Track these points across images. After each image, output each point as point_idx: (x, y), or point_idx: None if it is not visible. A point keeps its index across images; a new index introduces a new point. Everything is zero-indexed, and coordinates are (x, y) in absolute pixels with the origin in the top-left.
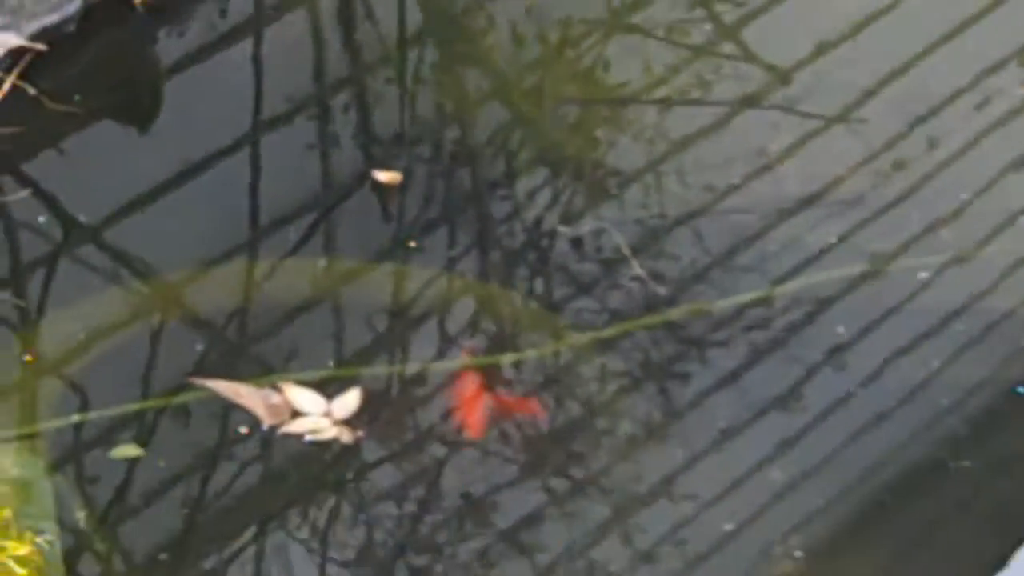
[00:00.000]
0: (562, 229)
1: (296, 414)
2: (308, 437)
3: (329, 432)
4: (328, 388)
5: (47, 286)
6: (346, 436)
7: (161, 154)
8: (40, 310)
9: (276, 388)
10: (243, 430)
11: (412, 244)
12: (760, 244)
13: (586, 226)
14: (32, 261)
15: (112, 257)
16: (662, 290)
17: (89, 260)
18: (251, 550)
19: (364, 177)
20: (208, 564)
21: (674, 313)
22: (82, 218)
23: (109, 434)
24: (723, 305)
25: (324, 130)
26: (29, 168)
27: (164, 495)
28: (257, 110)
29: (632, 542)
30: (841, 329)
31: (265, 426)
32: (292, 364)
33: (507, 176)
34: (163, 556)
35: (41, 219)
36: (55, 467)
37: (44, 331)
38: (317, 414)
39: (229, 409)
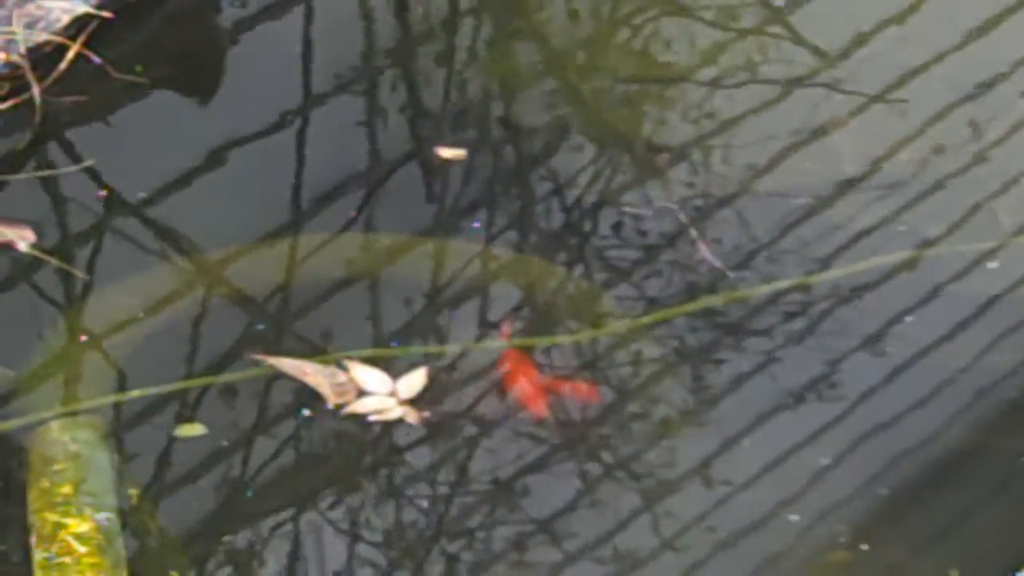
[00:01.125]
0: (629, 209)
1: (361, 393)
2: (373, 417)
3: (394, 412)
4: (391, 367)
5: (94, 260)
6: (411, 417)
7: (215, 127)
8: (89, 285)
9: (341, 366)
10: (307, 409)
11: (476, 224)
12: (806, 225)
13: (652, 206)
14: (79, 233)
15: (160, 233)
16: (730, 273)
17: (138, 235)
18: (310, 531)
19: (416, 153)
20: (267, 544)
21: (725, 296)
22: (132, 191)
23: (168, 411)
24: (768, 290)
25: (374, 106)
26: (87, 138)
27: (224, 474)
28: (307, 86)
29: (662, 528)
30: (884, 311)
31: (330, 405)
32: (348, 342)
33: (562, 152)
34: (223, 535)
35: (94, 192)
36: (114, 444)
37: (96, 306)
38: (382, 394)
39: (293, 387)
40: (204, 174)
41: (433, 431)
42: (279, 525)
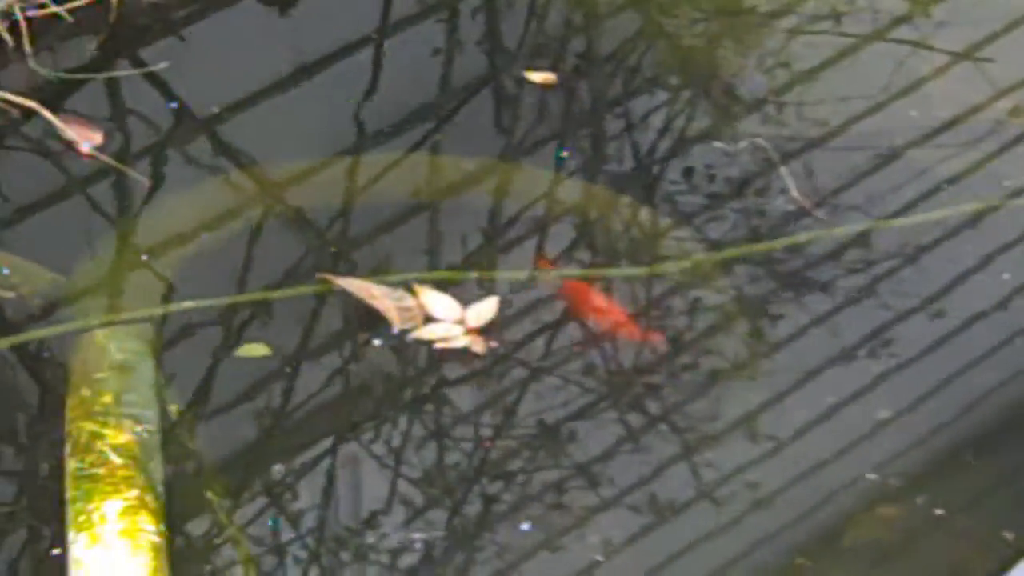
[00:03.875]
0: (717, 144)
1: (428, 319)
2: (439, 345)
3: (460, 340)
4: (463, 293)
5: (157, 170)
6: (478, 346)
7: (286, 45)
8: (150, 193)
9: (410, 290)
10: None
11: (564, 155)
12: (878, 177)
13: (742, 142)
14: (143, 149)
15: (225, 152)
16: (820, 214)
17: (204, 151)
18: (349, 463)
19: (503, 81)
20: (306, 473)
21: (795, 240)
22: (202, 104)
23: (223, 329)
24: (841, 233)
25: (451, 34)
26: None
27: (276, 394)
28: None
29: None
30: (948, 267)
31: (396, 329)
32: (416, 267)
33: (633, 87)
34: (263, 461)
35: (167, 104)
36: (163, 356)
37: (154, 218)
38: (450, 321)
39: (359, 309)
40: (278, 92)
41: (498, 363)
42: (321, 454)
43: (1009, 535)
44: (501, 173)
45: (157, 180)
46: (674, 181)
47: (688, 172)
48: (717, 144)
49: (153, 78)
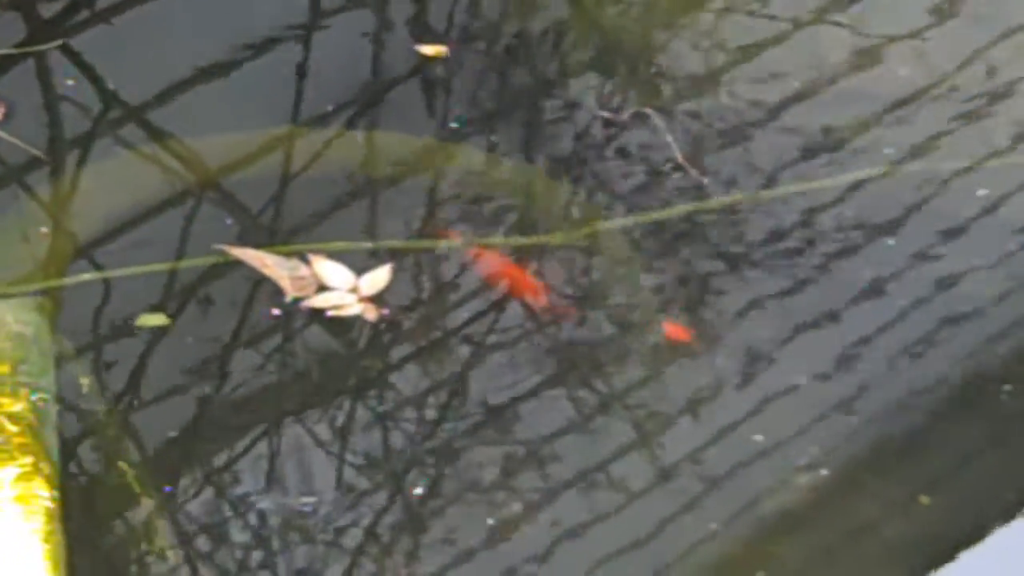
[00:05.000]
0: (602, 112)
1: (322, 288)
2: (330, 312)
3: (353, 308)
4: (358, 262)
5: (83, 161)
6: (370, 313)
7: (214, 30)
8: (72, 182)
9: (305, 260)
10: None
11: (454, 125)
12: (806, 159)
13: (627, 112)
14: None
15: (154, 136)
16: (704, 179)
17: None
18: (254, 424)
19: (410, 55)
20: (206, 436)
21: (709, 205)
22: (129, 94)
23: (127, 299)
24: (764, 196)
25: (380, 16)
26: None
27: (174, 364)
28: None
29: (652, 454)
30: (891, 242)
31: (288, 298)
32: (319, 238)
33: (559, 67)
34: (169, 427)
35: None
36: (62, 328)
37: (62, 190)
38: (343, 289)
39: (256, 280)
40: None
41: (391, 329)
42: (225, 420)
43: (926, 500)
44: (421, 149)
45: (59, 156)
46: (588, 154)
47: (604, 144)
48: (603, 113)
49: (79, 62)
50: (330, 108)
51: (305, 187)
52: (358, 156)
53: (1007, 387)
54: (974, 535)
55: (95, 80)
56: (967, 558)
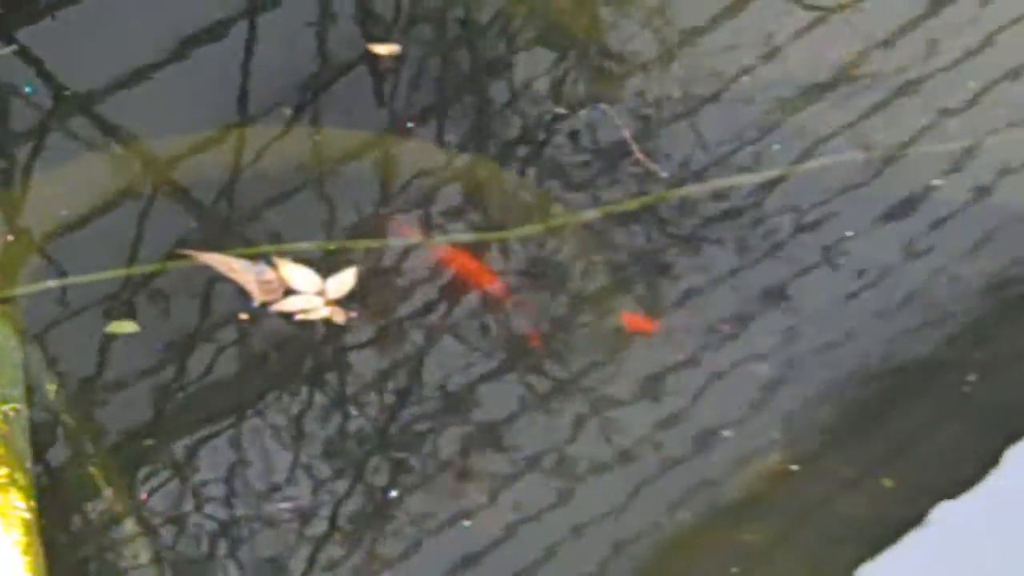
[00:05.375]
0: (558, 109)
1: (289, 291)
2: (298, 316)
3: (321, 312)
4: (322, 265)
5: (34, 156)
6: (338, 317)
7: (157, 23)
8: (25, 180)
9: (271, 263)
10: (232, 306)
11: (410, 125)
12: (763, 132)
13: (584, 108)
14: (23, 132)
15: (103, 130)
16: (664, 174)
17: (79, 131)
18: (226, 430)
19: (362, 52)
20: (179, 442)
21: (668, 194)
22: (74, 88)
23: (91, 305)
24: (720, 185)
25: (325, 7)
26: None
27: (143, 370)
28: None
29: (607, 439)
30: (842, 223)
31: (256, 302)
32: (281, 238)
33: (508, 55)
34: (142, 433)
35: (29, 87)
36: (30, 335)
37: (26, 197)
38: (310, 292)
39: (221, 284)
40: (150, 72)
41: (360, 332)
42: (199, 425)
43: (889, 482)
44: (374, 145)
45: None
46: (543, 146)
47: (559, 136)
48: (559, 109)
49: (27, 57)
50: (278, 104)
51: (257, 186)
52: (309, 153)
53: (957, 364)
54: (931, 512)
55: (44, 76)
56: (923, 535)
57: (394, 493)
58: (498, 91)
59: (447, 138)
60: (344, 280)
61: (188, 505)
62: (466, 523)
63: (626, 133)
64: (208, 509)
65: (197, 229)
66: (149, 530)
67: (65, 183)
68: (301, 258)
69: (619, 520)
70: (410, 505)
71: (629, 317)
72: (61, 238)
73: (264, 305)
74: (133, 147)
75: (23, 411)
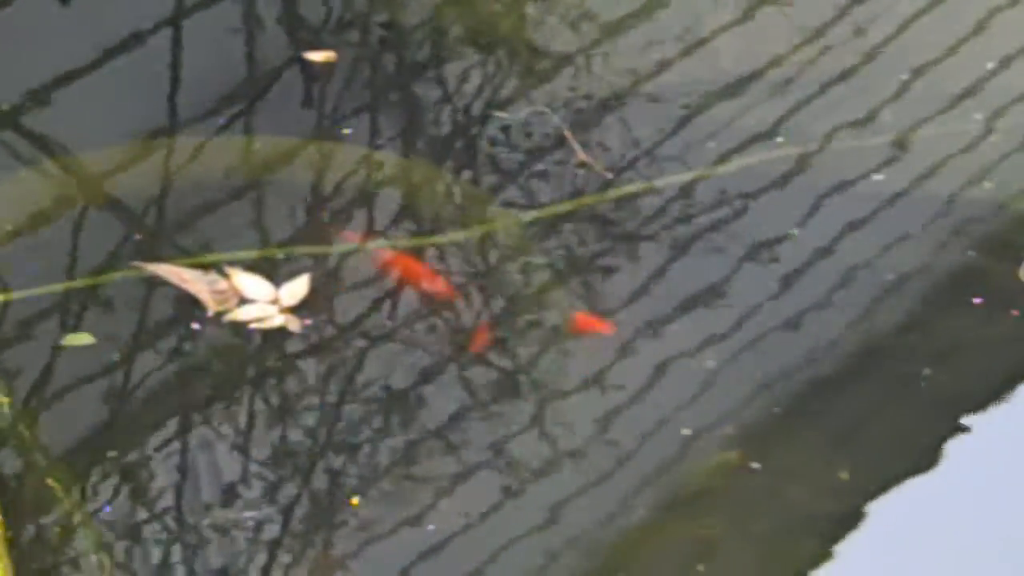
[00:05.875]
0: (498, 114)
1: (243, 300)
2: (254, 325)
3: (276, 320)
4: (266, 271)
5: None
6: (293, 324)
7: (80, 32)
8: None
9: (222, 273)
10: (185, 317)
11: (346, 131)
12: (693, 126)
13: (523, 110)
14: None
15: (32, 141)
16: (608, 174)
17: (10, 144)
18: (181, 441)
19: (294, 59)
20: (138, 453)
21: (608, 196)
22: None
23: (42, 318)
24: (658, 184)
25: (250, 12)
26: None
27: (101, 382)
28: None
29: (558, 437)
30: (776, 215)
31: (210, 312)
32: (229, 249)
33: (437, 56)
34: (102, 446)
35: None
36: None
37: None
38: (264, 301)
39: (173, 295)
40: (75, 81)
41: (316, 338)
42: (161, 436)
43: (844, 474)
44: (308, 151)
45: None
46: (482, 148)
47: (496, 137)
48: (499, 114)
49: None
50: (208, 111)
51: (191, 195)
52: (242, 161)
53: (904, 353)
54: (885, 496)
55: None
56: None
57: (352, 499)
58: (434, 93)
59: (383, 142)
60: (297, 288)
61: (145, 514)
62: (431, 526)
63: (568, 134)
64: (166, 517)
65: (135, 240)
66: (109, 539)
67: (3, 198)
68: (249, 267)
69: (573, 517)
70: (369, 509)
71: (581, 317)
72: (3, 252)
73: (218, 315)
74: (65, 160)
75: None
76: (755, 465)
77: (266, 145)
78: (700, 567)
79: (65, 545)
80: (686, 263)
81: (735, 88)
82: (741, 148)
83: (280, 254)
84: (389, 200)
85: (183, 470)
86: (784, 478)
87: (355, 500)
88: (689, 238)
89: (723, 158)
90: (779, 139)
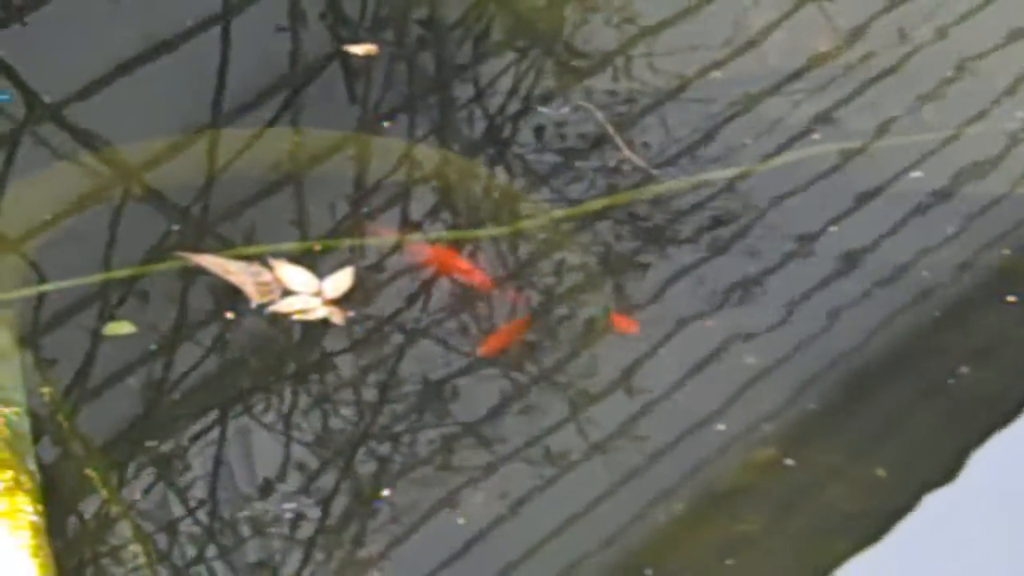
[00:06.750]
0: (541, 109)
1: (286, 292)
2: (296, 317)
3: (319, 312)
4: (312, 263)
5: (9, 163)
6: (336, 317)
7: (128, 28)
8: (1, 187)
9: (266, 265)
10: (226, 307)
11: (386, 124)
12: (737, 125)
13: (565, 107)
14: None
15: (75, 136)
16: (653, 171)
17: (52, 138)
18: (234, 434)
19: (336, 52)
20: (178, 445)
21: (649, 192)
22: (46, 94)
23: (88, 310)
24: (696, 181)
25: (294, 9)
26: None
27: (142, 372)
28: None
29: (589, 435)
30: (820, 211)
31: (253, 304)
32: (272, 241)
33: (479, 53)
34: (143, 436)
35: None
36: (26, 339)
37: (7, 204)
38: (307, 293)
39: (216, 285)
40: (122, 76)
41: (359, 331)
42: (201, 428)
43: (882, 472)
44: (354, 144)
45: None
46: (520, 144)
47: (535, 134)
48: (543, 110)
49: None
50: (252, 104)
51: (236, 187)
52: (287, 154)
53: (943, 352)
54: (923, 493)
55: (16, 81)
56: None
57: (386, 491)
58: (473, 89)
59: (427, 136)
60: (341, 280)
61: (185, 506)
62: (461, 520)
63: (610, 130)
64: (207, 509)
65: (178, 232)
66: (149, 531)
67: (44, 189)
68: (293, 259)
69: (611, 512)
70: (403, 499)
71: (617, 316)
72: (44, 243)
73: (262, 306)
74: (109, 153)
75: (24, 415)
76: (789, 462)
77: (309, 138)
78: (736, 563)
79: (104, 536)
80: (723, 261)
81: (779, 84)
82: (784, 145)
83: (318, 246)
84: (429, 194)
85: (223, 460)
86: (822, 475)
87: (384, 493)
88: (728, 236)
89: (766, 157)
90: (815, 136)
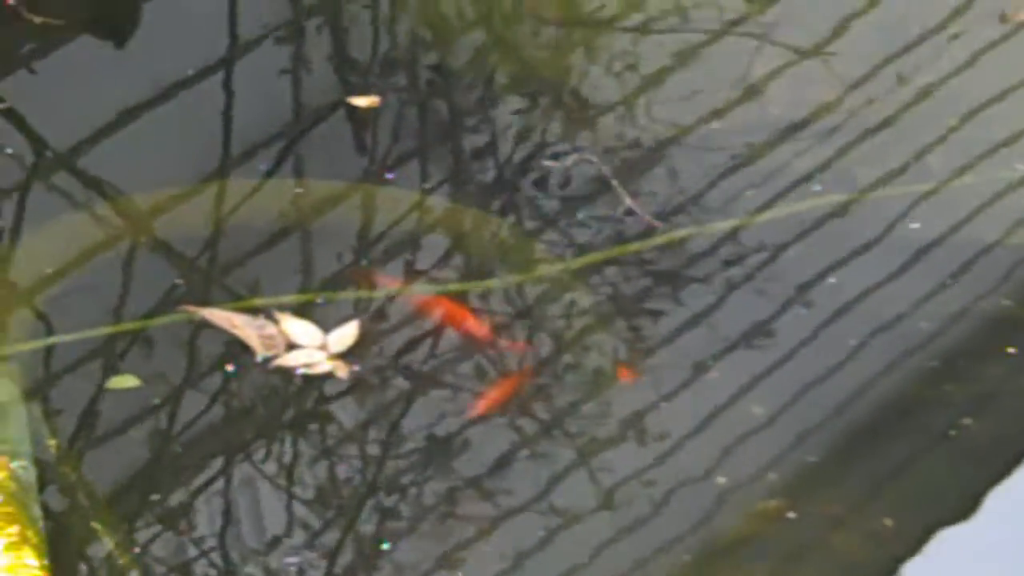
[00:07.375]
0: (547, 163)
1: (291, 345)
2: (301, 371)
3: (323, 366)
4: (317, 315)
5: (20, 211)
6: (341, 371)
7: (133, 76)
8: (13, 237)
9: (271, 318)
10: (231, 361)
11: (389, 176)
12: (739, 174)
13: (570, 158)
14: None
15: (85, 183)
16: (657, 223)
17: (61, 186)
18: (228, 485)
19: (339, 103)
20: (183, 498)
21: (651, 243)
22: (53, 141)
23: (94, 363)
24: (700, 232)
25: (299, 54)
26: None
27: (146, 425)
28: (232, 32)
29: (600, 483)
30: (820, 260)
31: (259, 357)
32: (277, 292)
33: (484, 102)
34: (149, 489)
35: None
36: (31, 393)
37: (15, 255)
38: (312, 347)
39: (220, 338)
40: (126, 124)
41: (363, 385)
42: (206, 480)
43: (889, 522)
44: (358, 194)
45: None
46: (522, 194)
47: (542, 180)
48: (546, 163)
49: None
50: (257, 156)
51: (238, 239)
52: (291, 205)
53: (943, 401)
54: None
55: (24, 129)
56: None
57: (386, 546)
58: (479, 138)
59: (429, 186)
60: (346, 334)
61: (190, 559)
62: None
63: (614, 182)
64: (211, 561)
65: (183, 283)
66: None
67: (50, 240)
68: (297, 311)
69: (614, 563)
70: (408, 553)
71: (623, 367)
72: (50, 294)
73: (267, 360)
74: (114, 203)
75: (32, 469)
76: (791, 515)
77: (313, 189)
78: None
79: None
80: (724, 311)
81: (780, 134)
82: (784, 195)
83: (319, 299)
84: (436, 244)
85: (227, 512)
86: (827, 525)
87: (385, 546)
88: (727, 286)
89: (765, 205)
90: (816, 187)
